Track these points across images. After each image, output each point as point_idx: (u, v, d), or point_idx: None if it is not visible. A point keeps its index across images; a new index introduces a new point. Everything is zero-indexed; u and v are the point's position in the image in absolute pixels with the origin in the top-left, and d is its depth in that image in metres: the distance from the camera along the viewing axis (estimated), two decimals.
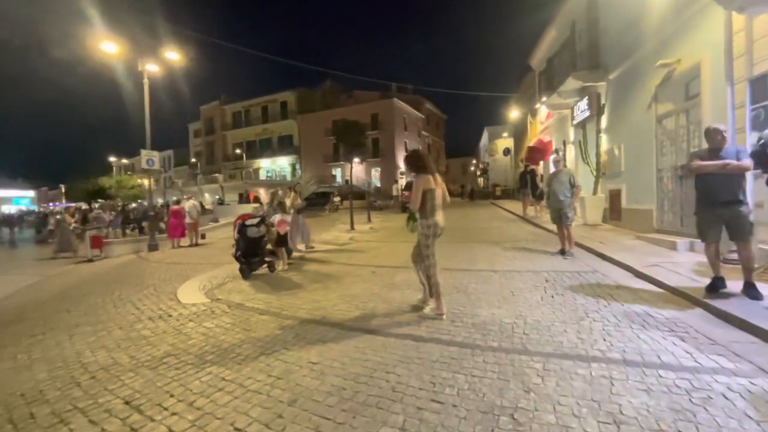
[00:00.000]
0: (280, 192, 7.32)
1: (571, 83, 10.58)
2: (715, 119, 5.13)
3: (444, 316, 3.61)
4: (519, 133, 27.19)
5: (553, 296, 4.17)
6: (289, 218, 6.91)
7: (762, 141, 4.00)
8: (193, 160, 51.10)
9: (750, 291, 3.50)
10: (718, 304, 3.41)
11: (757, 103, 4.71)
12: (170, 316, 4.31)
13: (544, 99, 13.94)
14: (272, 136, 45.67)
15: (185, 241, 11.58)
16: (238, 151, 46.72)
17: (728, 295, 3.59)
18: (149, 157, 11.35)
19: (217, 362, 2.96)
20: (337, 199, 27.03)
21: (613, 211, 9.21)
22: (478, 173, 45.72)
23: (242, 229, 6.14)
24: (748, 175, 3.83)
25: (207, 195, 40.70)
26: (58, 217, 15.49)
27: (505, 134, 34.39)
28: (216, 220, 20.85)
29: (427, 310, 3.75)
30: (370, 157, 36.98)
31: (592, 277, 4.92)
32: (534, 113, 19.46)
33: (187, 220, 11.43)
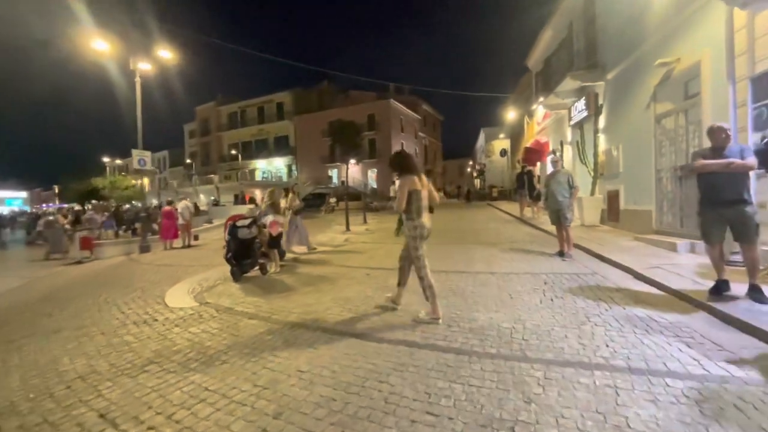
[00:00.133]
0: (276, 191, 7.12)
1: (569, 83, 10.49)
2: (715, 118, 5.03)
3: (440, 321, 3.48)
4: (515, 134, 27.13)
5: (552, 299, 4.05)
6: (281, 219, 6.75)
7: (766, 140, 3.90)
8: (189, 160, 50.75)
9: (755, 294, 3.38)
10: (723, 307, 3.29)
11: (759, 102, 4.61)
12: (156, 320, 4.15)
13: (541, 99, 13.86)
14: (268, 136, 45.37)
15: (178, 243, 11.38)
16: (233, 151, 46.39)
17: (733, 299, 3.48)
18: (141, 157, 11.17)
19: (201, 370, 2.81)
20: (333, 200, 26.86)
21: (611, 212, 9.12)
22: (475, 174, 45.63)
23: (233, 230, 5.98)
24: (751, 175, 3.72)
25: (202, 196, 40.44)
26: (50, 218, 15.26)
27: (501, 135, 34.29)
28: (210, 221, 20.62)
29: (422, 314, 3.61)
30: (366, 158, 36.74)
31: (591, 280, 4.81)
32: (531, 114, 19.40)
33: (180, 221, 11.24)
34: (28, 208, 46.00)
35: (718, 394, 2.15)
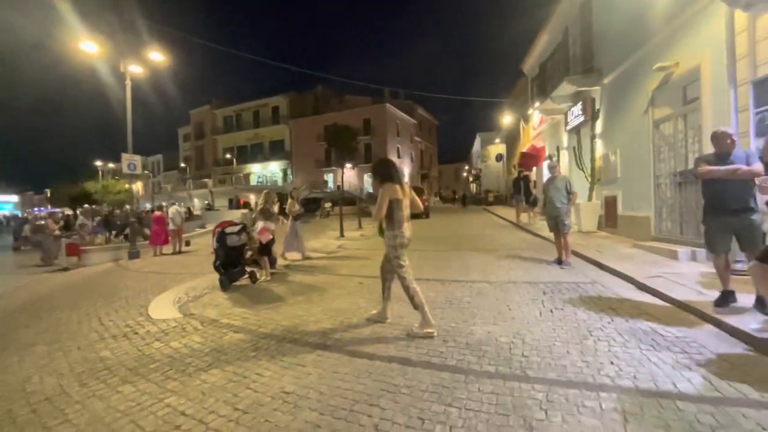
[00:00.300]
0: (272, 194, 6.90)
1: (565, 88, 10.42)
2: (716, 123, 4.93)
3: (434, 334, 3.30)
4: (511, 139, 27.11)
5: (552, 311, 3.88)
6: (272, 226, 6.54)
7: None
8: (183, 164, 50.37)
9: (763, 307, 3.24)
10: (732, 321, 3.14)
11: (762, 106, 4.50)
12: (136, 333, 3.93)
13: (537, 104, 13.79)
14: (263, 140, 45.17)
15: (168, 249, 11.15)
16: (228, 156, 46.12)
17: (740, 311, 3.34)
18: (131, 161, 10.92)
19: (179, 392, 2.61)
20: (328, 205, 26.66)
21: (609, 218, 9.00)
22: (471, 179, 45.65)
23: (221, 237, 5.77)
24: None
25: (196, 200, 40.10)
26: (39, 222, 14.93)
27: (497, 140, 34.27)
28: (203, 226, 20.35)
29: (416, 326, 3.43)
30: (362, 163, 36.64)
31: (591, 289, 4.65)
32: (527, 119, 19.37)
33: (170, 226, 11.00)
34: (19, 213, 45.39)
35: (735, 419, 1.99)
